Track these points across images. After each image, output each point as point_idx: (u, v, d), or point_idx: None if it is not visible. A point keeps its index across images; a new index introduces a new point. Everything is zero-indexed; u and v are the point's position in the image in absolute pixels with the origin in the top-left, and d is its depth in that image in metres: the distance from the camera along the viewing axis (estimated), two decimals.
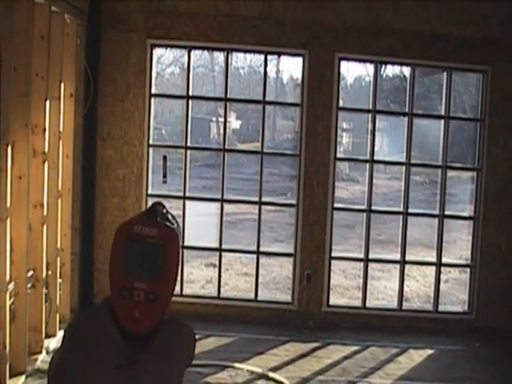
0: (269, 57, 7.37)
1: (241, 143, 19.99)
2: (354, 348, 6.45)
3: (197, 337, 0.88)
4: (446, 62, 7.09)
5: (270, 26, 6.94)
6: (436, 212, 7.37)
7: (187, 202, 7.19)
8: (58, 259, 6.01)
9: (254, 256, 7.37)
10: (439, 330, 7.04)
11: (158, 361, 0.83)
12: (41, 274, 5.47)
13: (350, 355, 6.28)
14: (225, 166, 7.20)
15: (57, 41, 5.70)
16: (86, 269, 6.88)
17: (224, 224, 7.29)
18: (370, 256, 7.36)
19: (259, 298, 7.27)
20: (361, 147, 12.68)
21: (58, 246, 6.01)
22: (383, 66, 12.13)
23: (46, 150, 5.52)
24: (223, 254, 7.44)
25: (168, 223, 0.89)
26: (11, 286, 4.81)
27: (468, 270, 7.44)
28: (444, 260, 7.48)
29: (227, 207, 7.53)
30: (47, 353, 5.60)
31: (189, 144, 7.21)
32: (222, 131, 8.06)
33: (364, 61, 7.73)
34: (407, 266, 7.51)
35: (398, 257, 7.40)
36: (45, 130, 5.46)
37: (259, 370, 5.70)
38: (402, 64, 8.33)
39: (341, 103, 7.34)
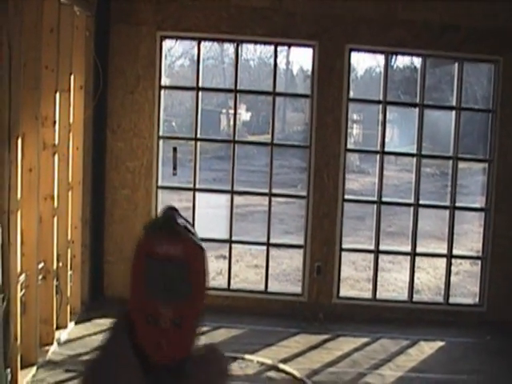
0: (279, 48, 7.32)
1: (251, 135, 19.95)
2: (365, 340, 6.43)
3: (207, 329, 0.82)
4: (456, 53, 7.03)
5: (280, 18, 6.91)
6: (447, 204, 7.33)
7: (197, 194, 7.18)
8: (69, 251, 6.03)
9: (264, 248, 7.36)
10: (450, 323, 7.02)
11: None
12: (51, 266, 5.49)
13: (361, 347, 6.27)
14: (235, 157, 7.18)
15: (66, 33, 5.69)
16: (97, 261, 6.91)
17: (234, 216, 7.28)
18: (381, 248, 7.33)
19: (269, 290, 7.26)
20: (371, 139, 12.62)
21: (69, 238, 6.03)
22: (394, 57, 12.02)
23: (56, 142, 5.53)
24: (233, 245, 7.43)
25: (190, 233, 0.79)
26: (22, 278, 4.83)
27: (479, 262, 7.40)
28: (455, 252, 7.44)
29: (237, 199, 7.51)
30: (58, 344, 5.63)
31: (199, 136, 7.20)
32: (232, 123, 8.03)
33: (374, 51, 7.67)
34: (418, 258, 7.49)
35: (408, 249, 7.37)
36: (55, 122, 5.47)
37: (269, 362, 5.70)
38: (412, 55, 8.29)
39: (351, 94, 7.30)
